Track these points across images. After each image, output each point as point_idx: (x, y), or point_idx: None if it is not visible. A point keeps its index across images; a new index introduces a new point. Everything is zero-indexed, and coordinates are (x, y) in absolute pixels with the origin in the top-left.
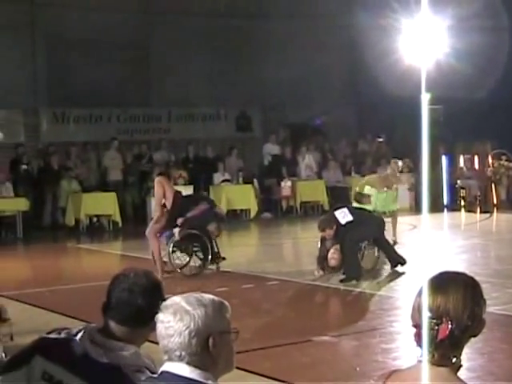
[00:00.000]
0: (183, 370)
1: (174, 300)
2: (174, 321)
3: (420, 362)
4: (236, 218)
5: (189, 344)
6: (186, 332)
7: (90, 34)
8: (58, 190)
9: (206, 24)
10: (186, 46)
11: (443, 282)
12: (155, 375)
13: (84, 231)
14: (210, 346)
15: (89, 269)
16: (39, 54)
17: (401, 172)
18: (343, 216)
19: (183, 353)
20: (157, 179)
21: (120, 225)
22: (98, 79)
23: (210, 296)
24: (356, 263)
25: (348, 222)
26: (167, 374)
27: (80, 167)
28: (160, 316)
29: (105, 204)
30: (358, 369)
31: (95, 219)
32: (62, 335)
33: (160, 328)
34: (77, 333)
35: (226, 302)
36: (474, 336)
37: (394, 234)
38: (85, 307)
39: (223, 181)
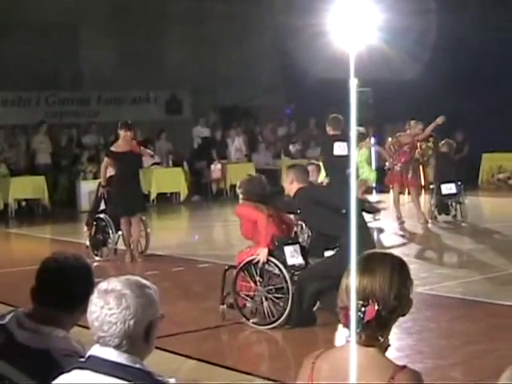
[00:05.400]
0: (110, 354)
1: (115, 285)
2: (119, 308)
3: (349, 342)
4: (166, 201)
5: (133, 332)
6: (132, 321)
7: (18, 16)
8: None
9: (134, 4)
10: (115, 27)
11: (370, 263)
12: (83, 359)
13: (13, 215)
14: (149, 333)
15: (18, 253)
16: None
17: None
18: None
19: (124, 341)
20: None
21: (49, 209)
22: (27, 62)
23: (145, 281)
24: None
25: None
26: (94, 359)
27: (8, 151)
28: (99, 301)
29: (34, 188)
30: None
31: (24, 203)
32: None
33: (98, 313)
34: (4, 318)
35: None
36: (403, 316)
37: None
38: (13, 292)
39: (153, 164)
